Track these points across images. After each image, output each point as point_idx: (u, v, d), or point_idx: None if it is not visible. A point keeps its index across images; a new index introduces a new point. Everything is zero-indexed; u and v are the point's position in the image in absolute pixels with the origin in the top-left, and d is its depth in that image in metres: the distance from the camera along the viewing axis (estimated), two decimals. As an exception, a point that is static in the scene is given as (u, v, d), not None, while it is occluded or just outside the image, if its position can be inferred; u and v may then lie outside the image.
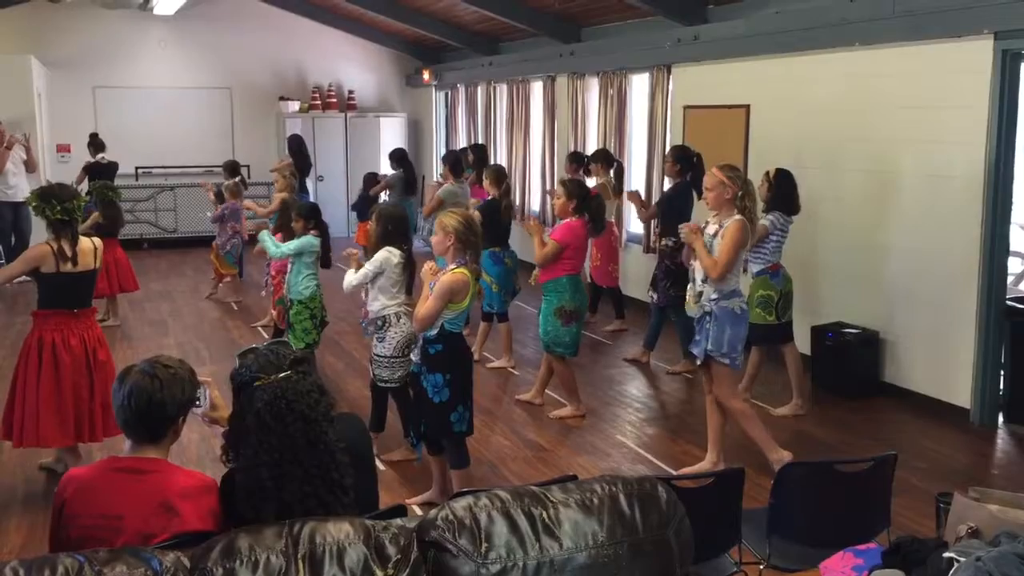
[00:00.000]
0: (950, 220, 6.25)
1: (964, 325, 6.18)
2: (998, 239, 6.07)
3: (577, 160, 9.20)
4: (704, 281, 5.09)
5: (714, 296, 5.06)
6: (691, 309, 5.25)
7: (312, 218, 6.46)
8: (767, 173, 6.29)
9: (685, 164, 7.32)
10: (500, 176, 7.66)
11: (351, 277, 5.41)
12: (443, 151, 14.17)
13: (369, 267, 5.34)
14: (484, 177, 7.94)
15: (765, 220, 6.08)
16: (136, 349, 7.93)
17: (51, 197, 4.96)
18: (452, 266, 4.59)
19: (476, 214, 7.26)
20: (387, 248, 5.37)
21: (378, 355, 5.41)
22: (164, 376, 2.58)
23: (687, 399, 6.90)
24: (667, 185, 8.00)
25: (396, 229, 5.45)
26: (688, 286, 5.32)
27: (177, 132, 14.04)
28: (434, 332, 4.58)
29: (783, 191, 6.21)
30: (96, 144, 11.61)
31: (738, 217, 5.00)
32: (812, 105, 7.35)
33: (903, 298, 6.66)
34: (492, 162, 10.77)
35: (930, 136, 6.36)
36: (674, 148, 7.65)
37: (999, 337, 6.15)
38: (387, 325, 5.36)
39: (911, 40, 6.37)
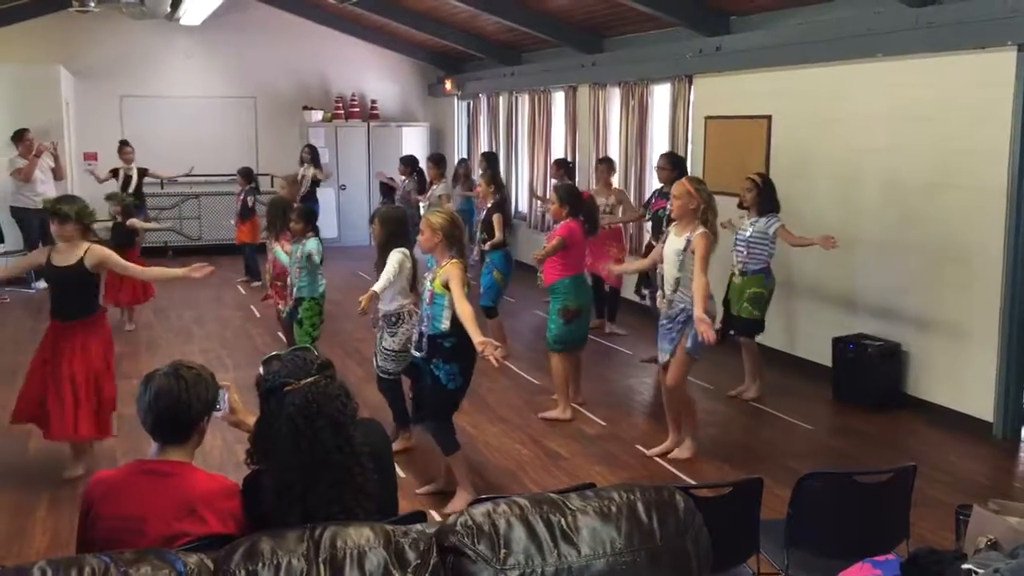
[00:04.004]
0: (973, 231, 6.22)
1: (986, 337, 6.14)
2: (1021, 250, 6.03)
3: (564, 166, 9.53)
4: (675, 290, 5.41)
5: (689, 299, 5.32)
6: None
7: (311, 221, 6.83)
8: (751, 179, 6.70)
9: (683, 169, 7.61)
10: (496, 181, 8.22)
11: (377, 284, 5.59)
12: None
13: (392, 269, 5.55)
14: (482, 181, 8.45)
15: (776, 224, 6.58)
16: (160, 356, 8.00)
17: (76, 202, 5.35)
18: (445, 261, 4.82)
19: (497, 217, 7.68)
20: (401, 250, 5.64)
21: (388, 349, 5.65)
22: (189, 377, 2.62)
23: (709, 409, 6.87)
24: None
25: (400, 231, 5.75)
26: (658, 293, 5.67)
27: (202, 141, 14.15)
28: (446, 325, 4.78)
29: (772, 194, 6.67)
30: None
31: (703, 230, 5.28)
32: (834, 116, 7.34)
33: (925, 310, 6.62)
34: (499, 170, 11.20)
35: (953, 147, 6.33)
36: (670, 155, 7.89)
37: (1022, 350, 6.10)
38: (400, 321, 5.61)
39: (934, 51, 6.35)
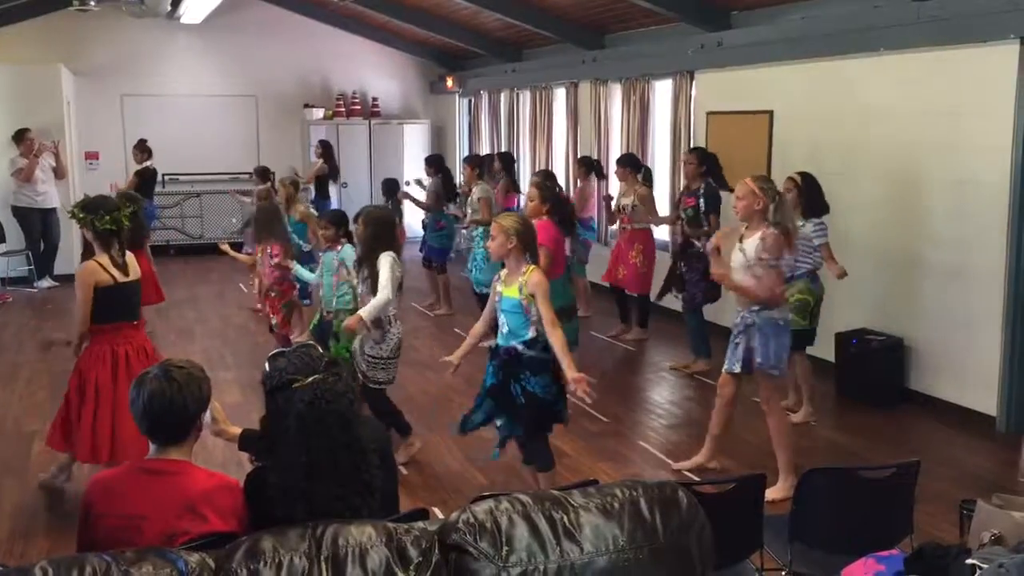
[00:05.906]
0: (975, 226, 6.20)
1: (990, 332, 6.13)
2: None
3: (586, 164, 9.30)
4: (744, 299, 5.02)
5: (755, 307, 4.98)
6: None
7: (341, 226, 6.24)
8: (792, 179, 6.20)
9: (711, 165, 7.40)
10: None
11: (380, 297, 5.27)
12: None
13: (387, 276, 5.28)
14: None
15: (823, 239, 6.14)
16: (163, 355, 7.99)
17: (98, 208, 4.84)
18: (525, 267, 4.49)
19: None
20: (388, 253, 5.36)
21: (373, 356, 5.39)
22: (180, 377, 2.62)
23: (711, 406, 6.85)
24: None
25: (386, 232, 5.46)
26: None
27: (203, 139, 14.16)
28: (533, 334, 4.48)
29: (812, 194, 6.19)
30: (145, 149, 11.83)
31: (772, 230, 4.92)
32: (836, 111, 7.32)
33: (928, 305, 6.61)
34: (515, 167, 10.89)
35: (956, 142, 6.31)
36: (699, 150, 7.69)
37: (1026, 344, 6.09)
38: (386, 325, 5.38)
39: (936, 45, 6.34)
